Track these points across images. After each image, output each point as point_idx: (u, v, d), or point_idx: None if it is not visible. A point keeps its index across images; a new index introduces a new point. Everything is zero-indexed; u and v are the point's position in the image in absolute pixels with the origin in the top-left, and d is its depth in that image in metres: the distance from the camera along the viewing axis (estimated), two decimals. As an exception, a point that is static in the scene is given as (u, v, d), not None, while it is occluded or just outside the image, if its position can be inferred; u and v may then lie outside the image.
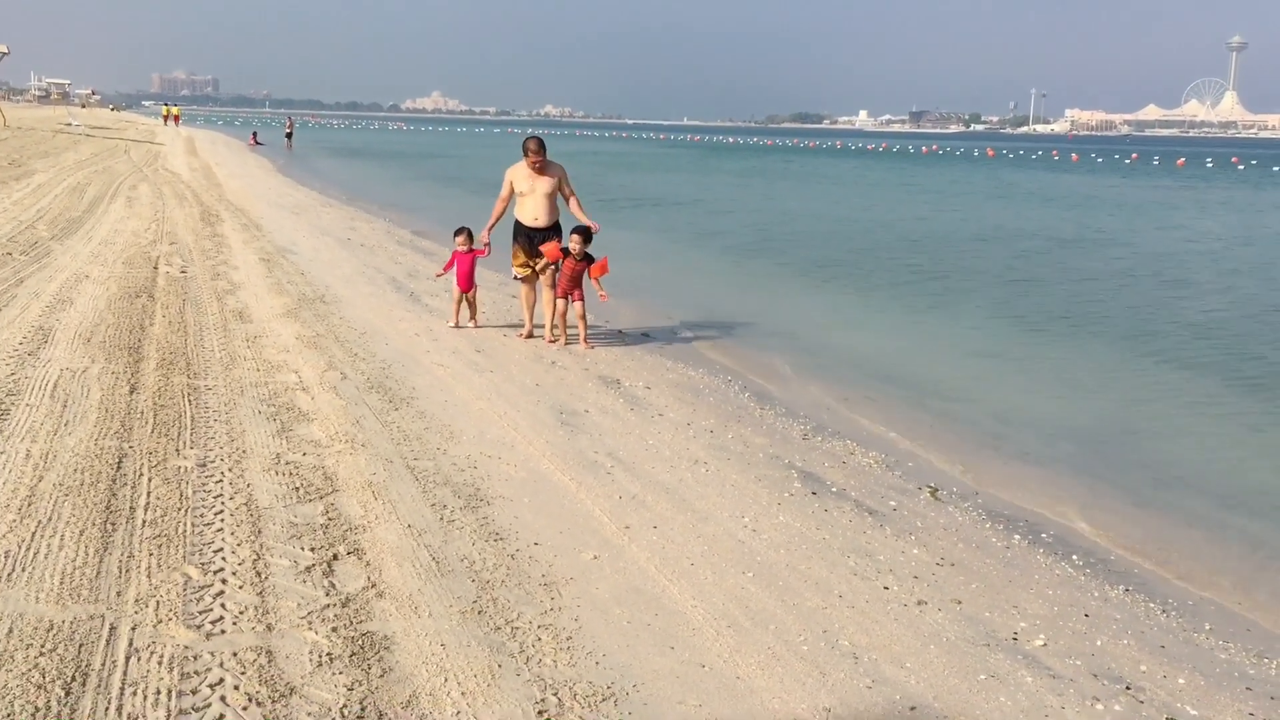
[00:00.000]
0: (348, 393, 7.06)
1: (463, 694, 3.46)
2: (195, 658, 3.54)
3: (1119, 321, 13.12)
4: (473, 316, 9.93)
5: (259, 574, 4.20)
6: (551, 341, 9.39)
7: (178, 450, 5.63)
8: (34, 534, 4.44)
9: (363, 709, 3.33)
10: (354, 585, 4.19)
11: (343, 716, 3.28)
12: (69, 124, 59.01)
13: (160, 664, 3.48)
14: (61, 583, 4.01)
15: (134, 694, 3.30)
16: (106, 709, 3.22)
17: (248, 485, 5.19)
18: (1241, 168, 78.93)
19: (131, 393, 6.67)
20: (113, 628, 3.70)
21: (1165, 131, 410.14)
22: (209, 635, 3.70)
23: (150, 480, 5.15)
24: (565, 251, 9.20)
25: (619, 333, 10.37)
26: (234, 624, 3.79)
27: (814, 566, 4.76)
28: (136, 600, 3.91)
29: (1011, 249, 21.16)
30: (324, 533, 4.68)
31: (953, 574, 4.86)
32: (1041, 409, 8.74)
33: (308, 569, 4.29)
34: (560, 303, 9.30)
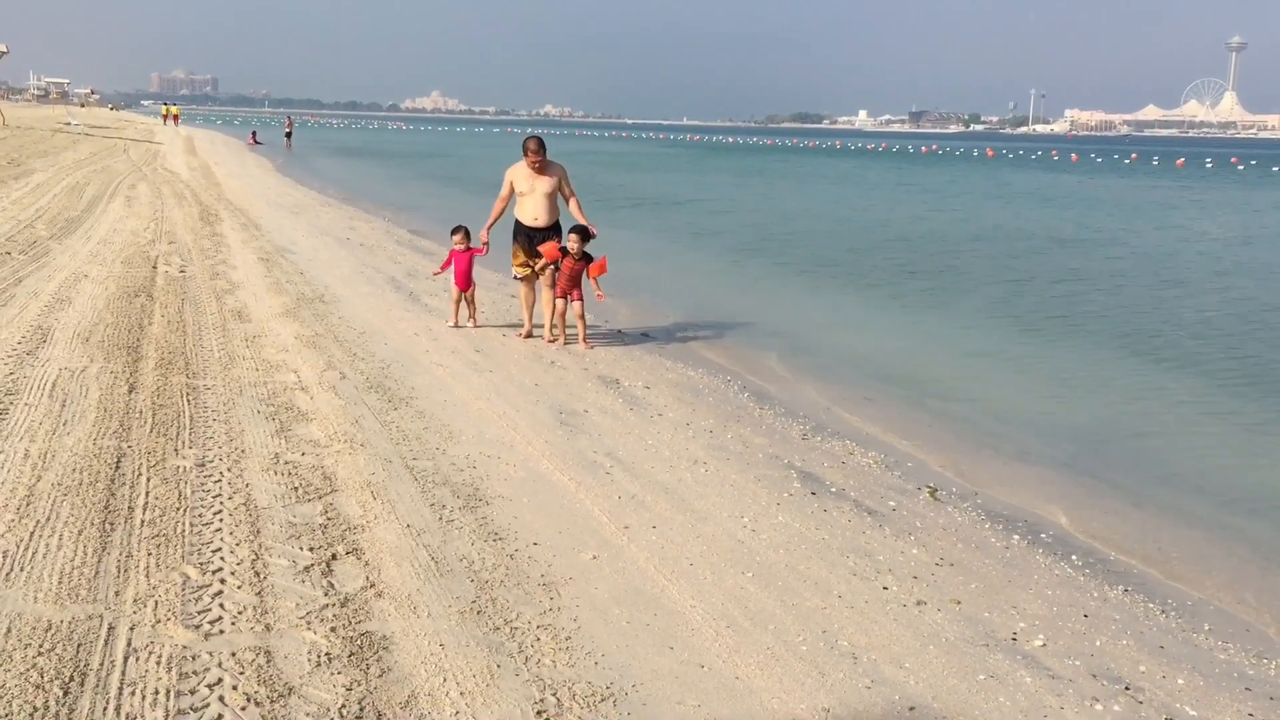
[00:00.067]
0: (347, 392, 7.06)
1: (461, 694, 3.46)
2: (194, 658, 3.53)
3: (1117, 321, 13.13)
4: (471, 316, 9.92)
5: (257, 574, 4.20)
6: (551, 341, 9.39)
7: (176, 450, 5.62)
8: (32, 534, 4.43)
9: (361, 709, 3.32)
10: (353, 585, 4.18)
11: (341, 716, 3.28)
12: (68, 123, 58.98)
13: (159, 664, 3.48)
14: (60, 582, 4.01)
15: (132, 694, 3.30)
16: (105, 709, 3.21)
17: (246, 485, 5.18)
18: (1241, 168, 78.96)
19: (130, 392, 6.66)
20: (111, 627, 3.70)
21: (1165, 132, 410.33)
22: (207, 635, 3.69)
23: (149, 480, 5.15)
24: (564, 251, 9.20)
25: (618, 332, 10.36)
26: (232, 624, 3.79)
27: (813, 567, 4.75)
28: (135, 600, 3.91)
29: (1010, 249, 21.17)
30: (323, 532, 4.68)
31: (952, 574, 4.86)
32: (1040, 409, 8.74)
33: (306, 569, 4.29)
34: (559, 302, 9.29)
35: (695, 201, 31.73)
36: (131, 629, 3.69)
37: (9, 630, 3.62)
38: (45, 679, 3.34)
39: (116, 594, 3.95)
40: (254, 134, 59.86)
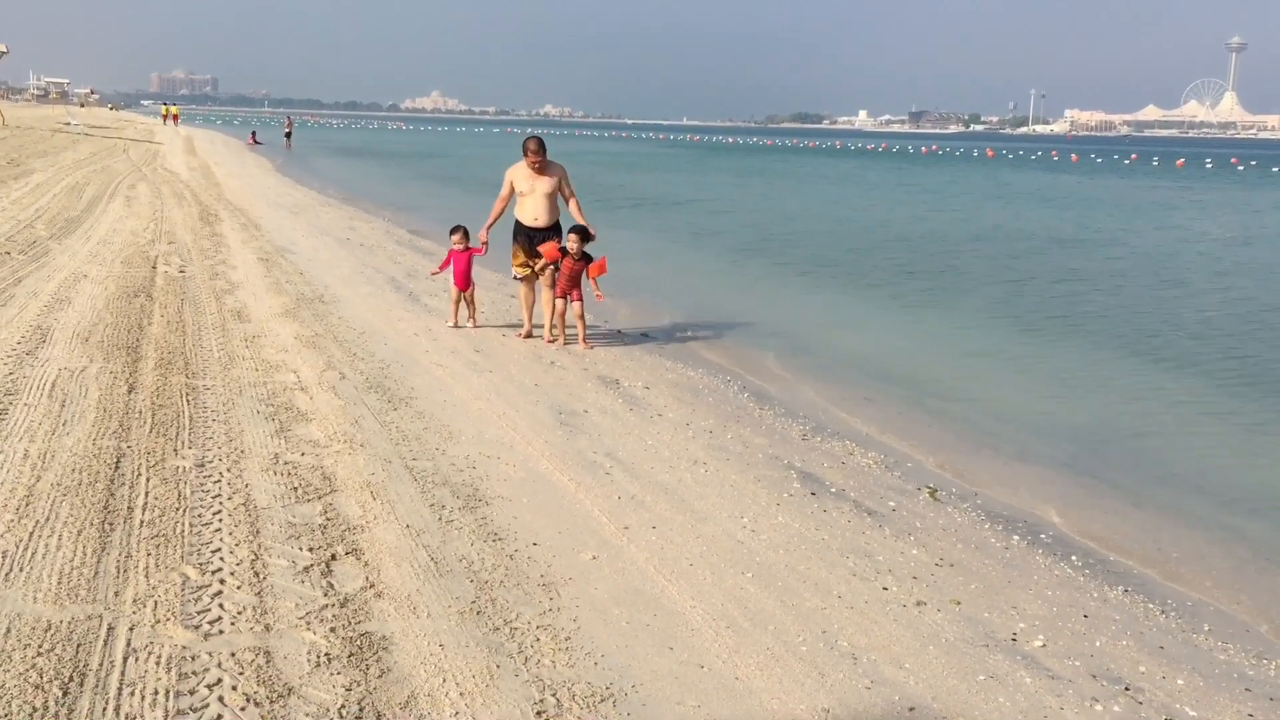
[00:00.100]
0: (346, 393, 7.05)
1: (461, 694, 3.45)
2: (193, 658, 3.53)
3: (1117, 321, 13.13)
4: (471, 316, 9.92)
5: (257, 574, 4.20)
6: (550, 341, 9.39)
7: (176, 450, 5.62)
8: (32, 534, 4.43)
9: (361, 709, 3.32)
10: (352, 585, 4.18)
11: (341, 717, 3.28)
12: (67, 123, 58.97)
13: (158, 664, 3.48)
14: (59, 583, 4.01)
15: (132, 694, 3.30)
16: (104, 709, 3.21)
17: (246, 485, 5.18)
18: (1241, 168, 78.96)
19: (130, 392, 6.66)
20: (110, 628, 3.69)
21: (1165, 132, 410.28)
22: (207, 635, 3.69)
23: (148, 480, 5.15)
24: (563, 251, 9.20)
25: (618, 333, 10.36)
26: (232, 624, 3.78)
27: (813, 567, 4.75)
28: (134, 600, 3.90)
29: (1010, 249, 21.17)
30: (322, 533, 4.67)
31: (952, 574, 4.86)
32: (1040, 409, 8.74)
33: (306, 569, 4.29)
34: (559, 303, 9.29)
35: (695, 202, 31.74)
36: (131, 629, 3.69)
37: (8, 630, 3.62)
38: (45, 679, 3.34)
39: (116, 594, 3.95)
40: (254, 134, 59.84)
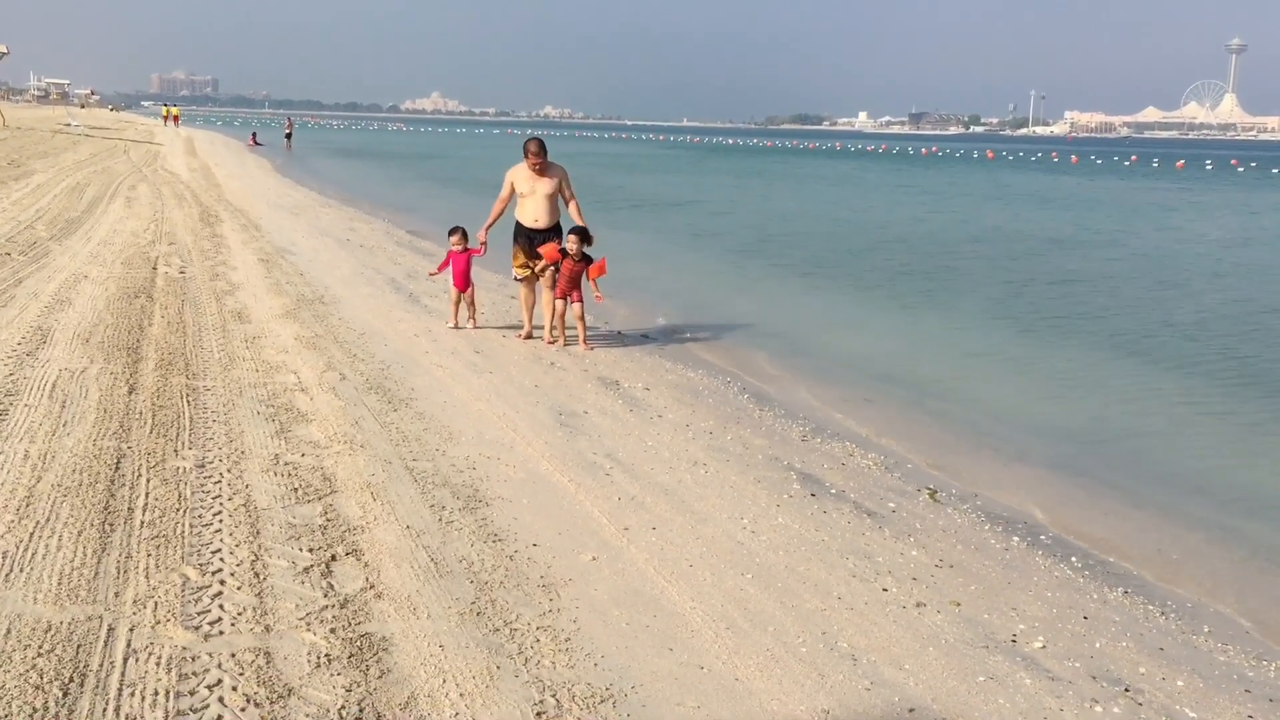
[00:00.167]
0: (346, 394, 7.06)
1: (461, 695, 3.46)
2: (193, 659, 3.53)
3: (1115, 322, 13.13)
4: (471, 317, 9.92)
5: (257, 575, 4.20)
6: (550, 343, 9.39)
7: (176, 451, 5.62)
8: (32, 535, 4.43)
9: (361, 710, 3.32)
10: (352, 586, 4.18)
11: (341, 718, 3.28)
12: (68, 124, 59.00)
13: (158, 665, 3.48)
14: (59, 583, 4.01)
15: (132, 695, 3.30)
16: (104, 710, 3.21)
17: (246, 486, 5.19)
18: (1241, 170, 78.98)
19: (130, 393, 6.66)
20: (111, 629, 3.70)
21: (1164, 133, 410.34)
22: (207, 636, 3.69)
23: (149, 481, 5.15)
24: (563, 253, 9.20)
25: (618, 334, 10.37)
26: (232, 625, 3.78)
27: (813, 568, 4.75)
28: (135, 601, 3.91)
29: (1009, 250, 21.18)
30: (322, 534, 4.68)
31: (951, 576, 4.86)
32: (1040, 410, 8.74)
33: (306, 570, 4.29)
34: (559, 304, 9.30)
35: (695, 203, 31.74)
36: (131, 630, 3.69)
37: (9, 631, 3.62)
38: (45, 680, 3.34)
39: (116, 595, 3.95)
40: (254, 135, 59.87)
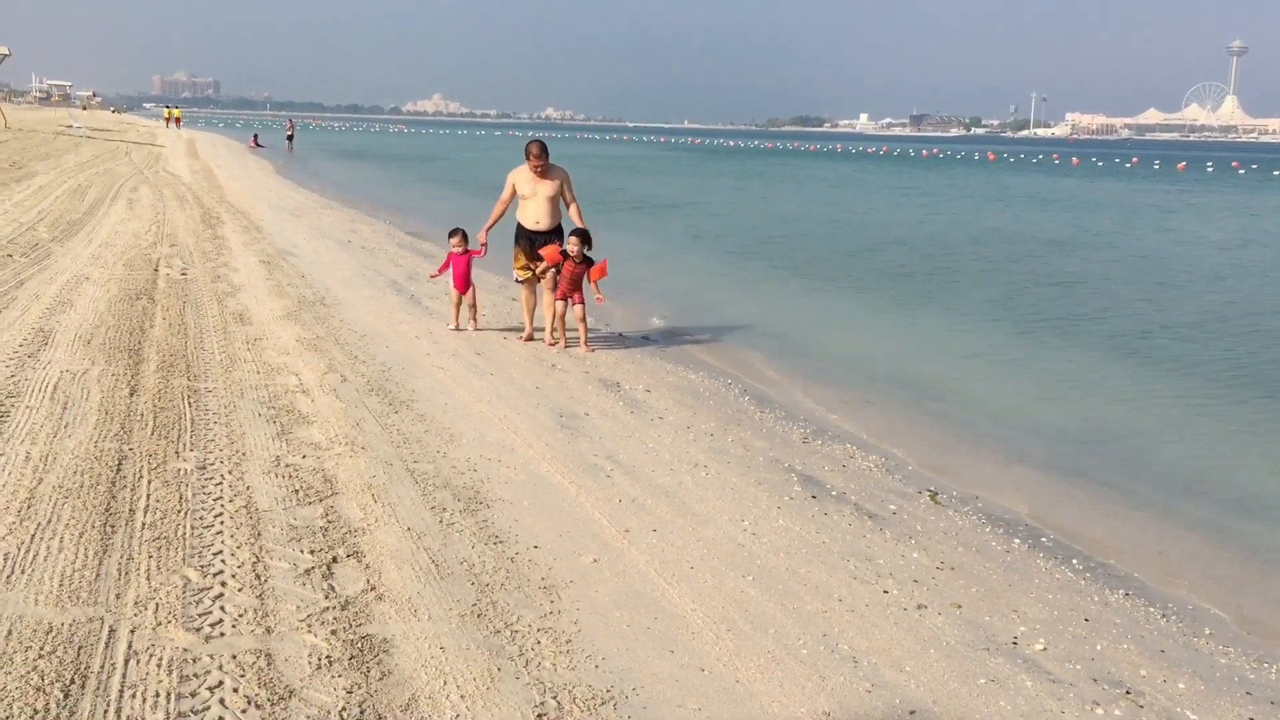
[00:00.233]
0: (348, 395, 7.06)
1: (462, 697, 3.46)
2: (194, 660, 3.54)
3: (1116, 324, 13.13)
4: (473, 319, 9.93)
5: (258, 576, 4.20)
6: (551, 344, 9.40)
7: (177, 453, 5.63)
8: (33, 536, 4.44)
9: (362, 712, 3.33)
10: (353, 588, 4.19)
11: (342, 719, 3.28)
12: (70, 126, 59.05)
13: (159, 666, 3.48)
14: (61, 585, 4.01)
15: (133, 696, 3.30)
16: (105, 711, 3.22)
17: (247, 488, 5.19)
18: (1242, 172, 78.92)
19: (131, 395, 6.67)
20: (112, 630, 3.70)
21: (1166, 135, 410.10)
22: (208, 638, 3.70)
23: (150, 483, 5.15)
24: (564, 254, 9.21)
25: (619, 335, 10.37)
26: (233, 626, 3.79)
27: (814, 570, 4.76)
28: (136, 603, 3.91)
29: (1009, 252, 21.17)
30: (323, 535, 4.68)
31: (952, 578, 4.86)
32: (1041, 411, 8.74)
33: (307, 572, 4.29)
34: (560, 305, 9.30)
35: (695, 204, 31.75)
36: (132, 632, 3.70)
37: (10, 633, 3.63)
38: (46, 681, 3.34)
39: (117, 597, 3.95)
40: (255, 137, 59.86)
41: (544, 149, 9.34)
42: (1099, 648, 4.28)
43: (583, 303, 9.30)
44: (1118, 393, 9.61)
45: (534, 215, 9.36)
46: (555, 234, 9.45)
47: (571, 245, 9.21)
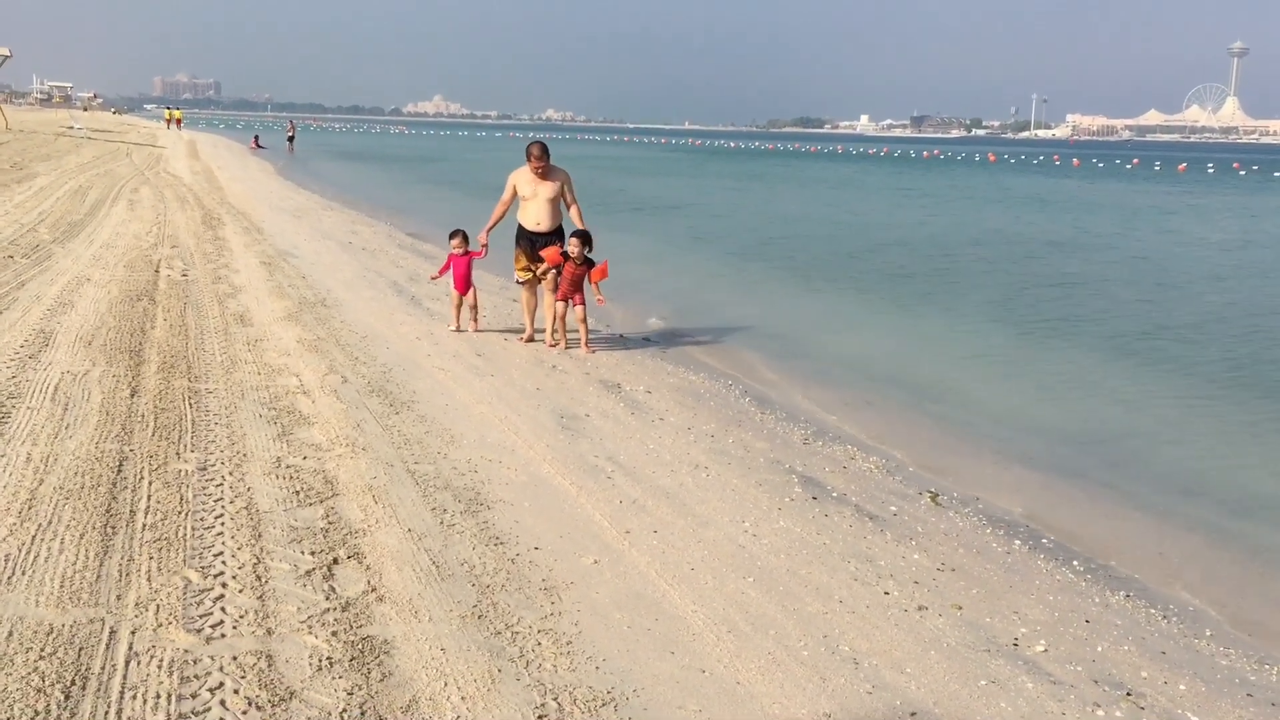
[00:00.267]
0: (348, 396, 7.06)
1: (462, 698, 3.46)
2: (195, 661, 3.54)
3: (1116, 325, 13.13)
4: (474, 320, 9.93)
5: (259, 578, 4.20)
6: (552, 345, 9.40)
7: (178, 454, 5.63)
8: (34, 537, 4.44)
9: (362, 713, 3.33)
10: (354, 589, 4.19)
11: (342, 721, 3.28)
12: (71, 127, 59.07)
13: (160, 668, 3.48)
14: (61, 586, 4.01)
15: (134, 698, 3.30)
16: (106, 713, 3.22)
17: (248, 489, 5.19)
18: (1243, 173, 78.88)
19: (132, 396, 6.67)
20: (112, 631, 3.70)
21: (1166, 136, 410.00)
22: (209, 639, 3.70)
23: (151, 484, 5.15)
24: (565, 256, 9.21)
25: (620, 337, 10.37)
26: (234, 628, 3.79)
27: (814, 571, 4.76)
28: (136, 604, 3.91)
29: (1009, 253, 21.17)
30: (324, 537, 4.68)
31: (953, 579, 4.86)
32: (1041, 412, 8.74)
33: (308, 573, 4.29)
34: (560, 306, 9.30)
35: (696, 205, 31.76)
36: (133, 633, 3.70)
37: (11, 634, 3.63)
38: (47, 683, 3.34)
39: (118, 598, 3.95)
40: (256, 138, 59.86)
41: (545, 150, 9.34)
42: (1100, 649, 4.28)
43: (583, 304, 9.30)
44: (1117, 393, 9.61)
45: (535, 216, 9.37)
46: (556, 235, 9.45)
47: (572, 246, 9.21)
